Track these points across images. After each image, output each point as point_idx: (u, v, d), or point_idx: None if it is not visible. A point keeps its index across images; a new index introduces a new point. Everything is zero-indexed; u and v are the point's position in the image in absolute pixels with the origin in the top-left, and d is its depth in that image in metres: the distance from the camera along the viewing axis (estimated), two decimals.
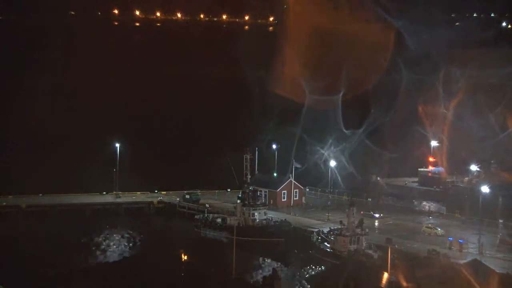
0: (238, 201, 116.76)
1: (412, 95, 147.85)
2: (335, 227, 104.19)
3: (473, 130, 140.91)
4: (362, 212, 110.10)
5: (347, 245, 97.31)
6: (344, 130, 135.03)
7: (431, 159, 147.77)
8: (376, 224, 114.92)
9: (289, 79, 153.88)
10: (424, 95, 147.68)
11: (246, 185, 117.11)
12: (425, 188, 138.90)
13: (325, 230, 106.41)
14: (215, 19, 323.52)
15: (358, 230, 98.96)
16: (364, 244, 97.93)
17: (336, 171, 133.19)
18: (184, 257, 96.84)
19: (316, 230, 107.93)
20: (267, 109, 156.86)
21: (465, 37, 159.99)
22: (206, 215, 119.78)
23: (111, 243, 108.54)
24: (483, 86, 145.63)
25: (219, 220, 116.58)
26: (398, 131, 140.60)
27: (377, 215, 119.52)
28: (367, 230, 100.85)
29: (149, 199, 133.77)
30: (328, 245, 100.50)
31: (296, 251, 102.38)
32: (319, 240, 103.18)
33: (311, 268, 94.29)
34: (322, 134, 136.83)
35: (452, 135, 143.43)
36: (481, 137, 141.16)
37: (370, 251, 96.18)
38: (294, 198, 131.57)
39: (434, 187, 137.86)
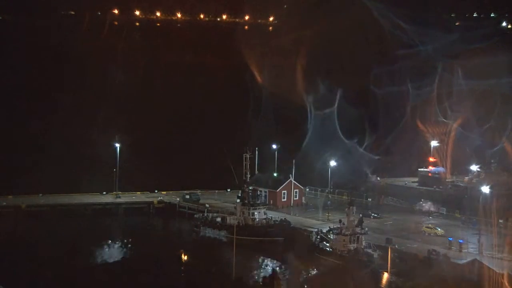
0: (238, 200, 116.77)
1: (412, 99, 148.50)
2: (335, 226, 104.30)
3: (470, 141, 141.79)
4: (360, 215, 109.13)
5: (347, 244, 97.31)
6: (345, 140, 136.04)
7: (431, 159, 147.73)
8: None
9: (290, 80, 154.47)
10: (422, 103, 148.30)
11: (245, 185, 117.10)
12: (425, 188, 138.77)
13: (324, 229, 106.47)
14: (215, 19, 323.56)
15: (358, 229, 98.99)
16: (363, 243, 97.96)
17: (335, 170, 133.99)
18: (184, 257, 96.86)
19: (315, 230, 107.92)
20: (267, 109, 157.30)
21: (465, 45, 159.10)
22: (205, 214, 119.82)
23: (111, 243, 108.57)
24: (479, 95, 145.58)
25: (218, 219, 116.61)
26: (397, 132, 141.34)
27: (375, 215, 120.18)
28: (366, 229, 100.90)
29: (149, 199, 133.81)
30: (328, 245, 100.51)
31: (295, 250, 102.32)
32: (318, 239, 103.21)
33: (311, 267, 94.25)
34: (323, 137, 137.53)
35: (451, 144, 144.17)
36: (477, 146, 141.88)
37: (369, 250, 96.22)
38: (294, 198, 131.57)
39: (434, 187, 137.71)
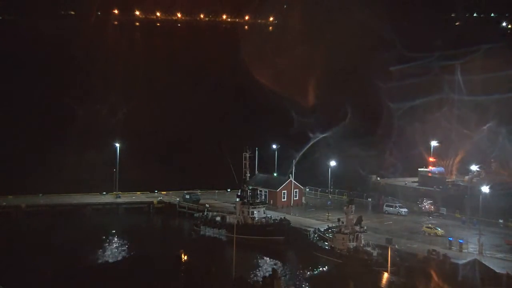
0: (237, 199, 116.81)
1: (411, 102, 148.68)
2: (333, 225, 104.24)
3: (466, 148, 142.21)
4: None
5: (346, 242, 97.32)
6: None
7: (431, 159, 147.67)
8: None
9: (289, 80, 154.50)
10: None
11: (245, 184, 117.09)
12: (425, 188, 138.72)
13: (322, 228, 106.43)
14: (215, 19, 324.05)
15: (357, 228, 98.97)
16: (362, 242, 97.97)
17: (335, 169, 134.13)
18: (184, 257, 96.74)
19: (312, 229, 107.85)
20: (267, 109, 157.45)
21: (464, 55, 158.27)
22: (205, 213, 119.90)
23: (111, 243, 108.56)
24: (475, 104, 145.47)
25: (218, 218, 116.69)
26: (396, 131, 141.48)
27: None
28: (365, 227, 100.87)
29: (149, 199, 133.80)
30: (327, 243, 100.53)
31: (295, 249, 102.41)
32: (317, 238, 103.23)
33: (311, 267, 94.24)
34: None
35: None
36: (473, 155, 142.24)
37: (369, 249, 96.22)
38: (294, 198, 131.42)
39: (434, 187, 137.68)
